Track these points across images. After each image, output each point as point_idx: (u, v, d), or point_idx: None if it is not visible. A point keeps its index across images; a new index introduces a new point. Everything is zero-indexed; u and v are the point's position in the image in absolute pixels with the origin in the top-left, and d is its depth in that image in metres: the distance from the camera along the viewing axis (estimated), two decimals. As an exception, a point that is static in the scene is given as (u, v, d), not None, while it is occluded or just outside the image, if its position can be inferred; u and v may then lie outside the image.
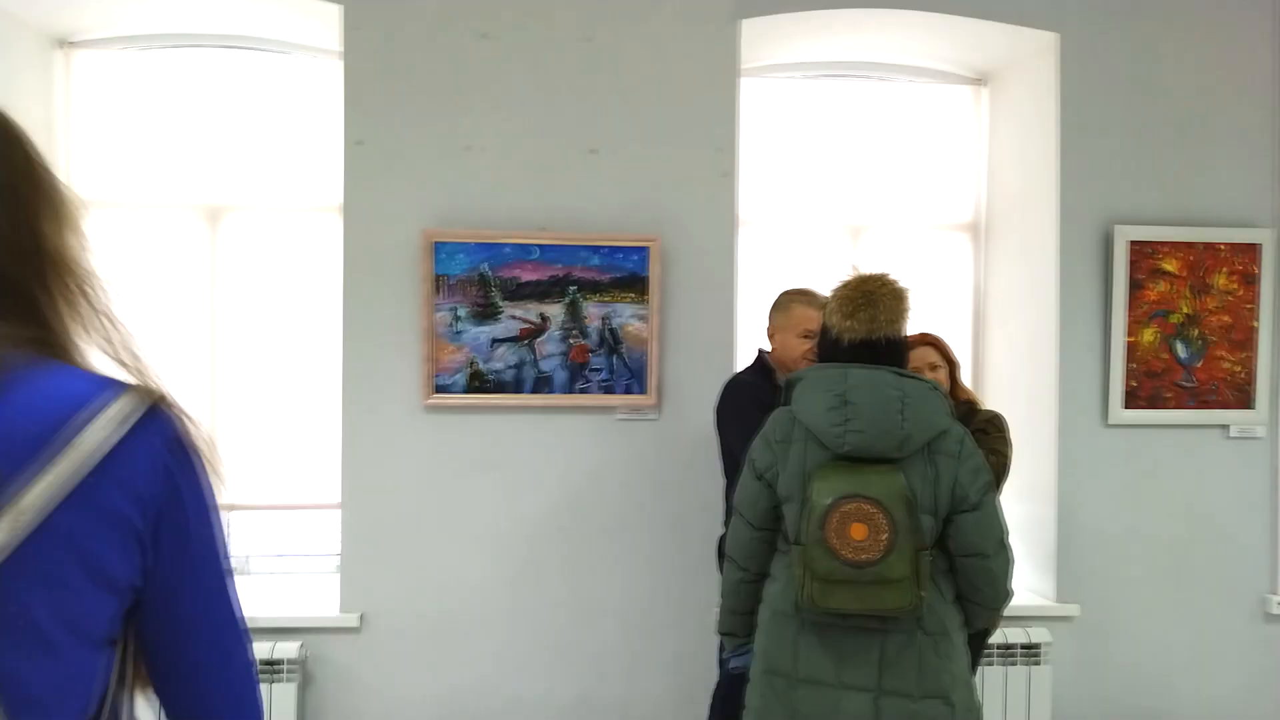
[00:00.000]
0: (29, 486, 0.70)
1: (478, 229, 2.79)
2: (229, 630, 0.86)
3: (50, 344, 0.80)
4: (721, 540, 2.63)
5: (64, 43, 2.98)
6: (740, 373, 2.60)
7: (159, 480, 0.78)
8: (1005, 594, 1.78)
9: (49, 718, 0.73)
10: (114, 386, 0.78)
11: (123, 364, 0.83)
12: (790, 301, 2.50)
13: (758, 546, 1.91)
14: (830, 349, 1.87)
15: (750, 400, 2.44)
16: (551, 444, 2.87)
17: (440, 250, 2.76)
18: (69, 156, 3.00)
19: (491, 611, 2.87)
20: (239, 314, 3.07)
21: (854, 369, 1.79)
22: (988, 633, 2.02)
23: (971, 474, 1.73)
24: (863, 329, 1.80)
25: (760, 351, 2.60)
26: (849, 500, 1.72)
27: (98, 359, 0.83)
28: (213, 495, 0.84)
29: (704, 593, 2.91)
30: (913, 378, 1.78)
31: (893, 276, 1.85)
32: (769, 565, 1.91)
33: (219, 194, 3.06)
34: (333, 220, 2.99)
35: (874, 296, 1.81)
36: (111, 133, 3.03)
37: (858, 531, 1.72)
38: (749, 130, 3.09)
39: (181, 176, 3.05)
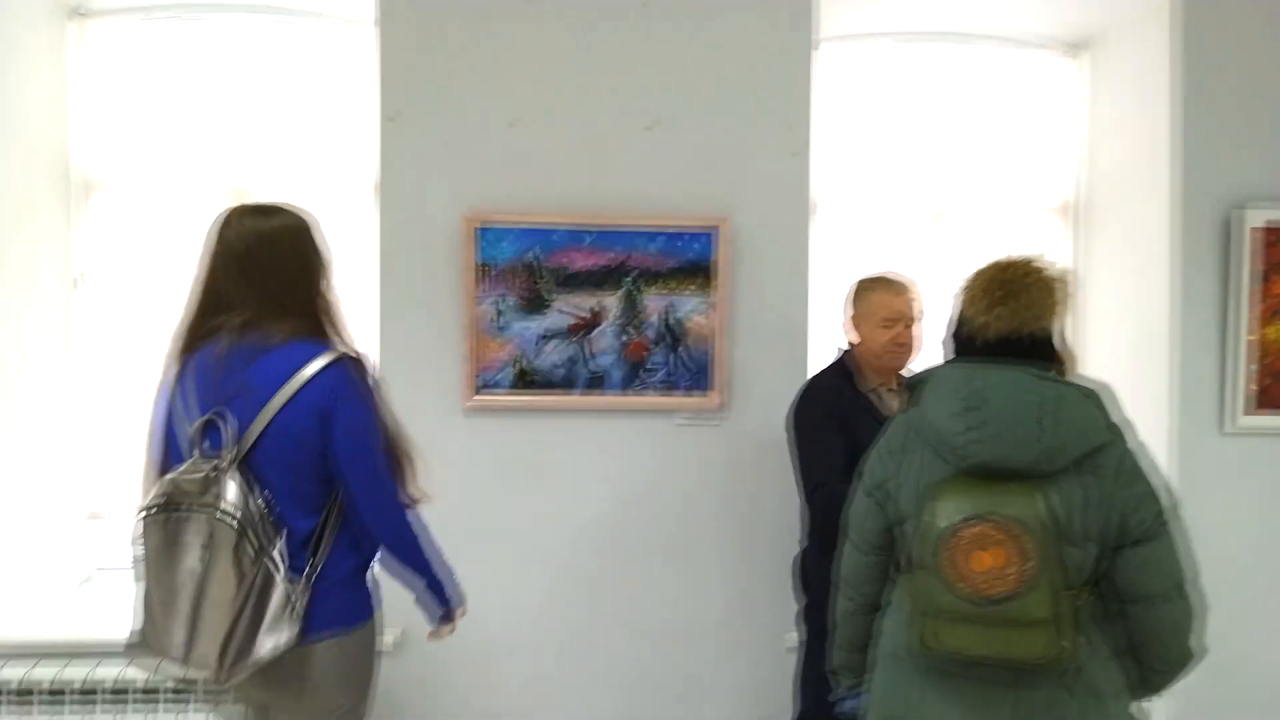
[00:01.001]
0: (274, 397, 1.56)
1: (524, 212, 2.52)
2: (373, 477, 1.63)
3: (313, 331, 1.65)
4: (801, 560, 2.34)
5: (76, 12, 2.75)
6: (817, 375, 2.31)
7: (329, 396, 1.59)
8: (1184, 653, 1.47)
9: (297, 528, 1.59)
10: (325, 350, 1.62)
11: (340, 338, 1.67)
12: (869, 288, 2.22)
13: (869, 573, 1.63)
14: (964, 347, 1.58)
15: (825, 409, 2.16)
16: (605, 450, 2.60)
17: (484, 236, 2.49)
18: (81, 133, 2.78)
19: (537, 633, 2.61)
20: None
21: (989, 367, 1.50)
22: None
23: (1138, 499, 1.43)
24: (1003, 324, 1.50)
25: (841, 351, 2.31)
26: (975, 522, 1.43)
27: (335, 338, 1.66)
28: (365, 407, 1.63)
29: (775, 617, 2.63)
30: (1060, 382, 1.48)
31: (1042, 263, 1.55)
32: (883, 594, 1.63)
33: (243, 175, 2.82)
34: (367, 204, 2.74)
35: (1018, 286, 1.51)
36: (128, 108, 2.79)
37: (985, 560, 1.43)
38: (822, 104, 2.79)
39: (203, 156, 2.81)
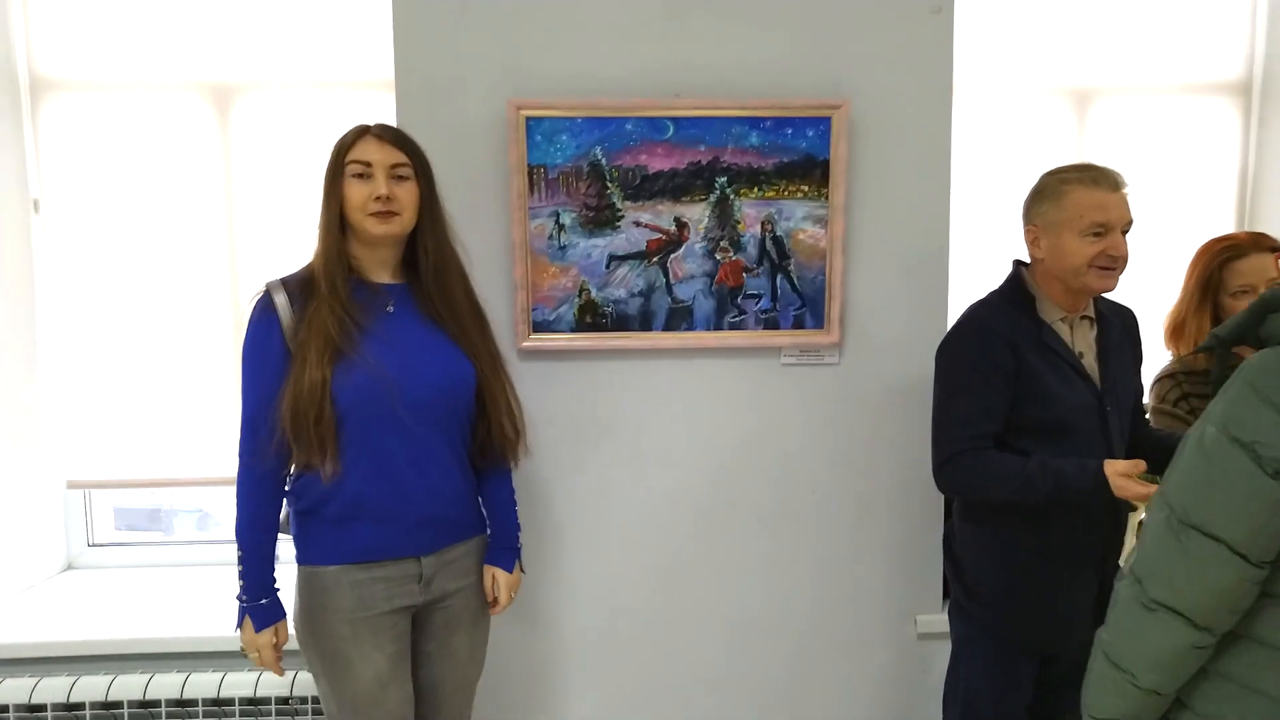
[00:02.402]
0: None
1: (586, 97, 1.95)
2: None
3: None
4: (948, 539, 1.83)
5: None
6: (981, 303, 1.74)
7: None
8: None
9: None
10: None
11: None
12: (1066, 184, 1.63)
13: (1247, 591, 1.06)
14: None
15: (985, 354, 1.63)
16: (691, 401, 2.07)
17: (534, 130, 1.93)
18: (29, 20, 2.22)
19: (615, 629, 2.13)
20: (259, 226, 2.30)
21: None
22: None
23: None
24: None
25: (1017, 266, 1.75)
26: None
27: None
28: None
29: (899, 603, 2.14)
30: None
31: None
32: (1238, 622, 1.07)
33: (229, 68, 2.26)
34: (384, 99, 2.18)
35: None
36: (83, -15, 2.23)
37: None
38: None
39: (180, 46, 2.25)
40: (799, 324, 2.04)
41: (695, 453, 2.09)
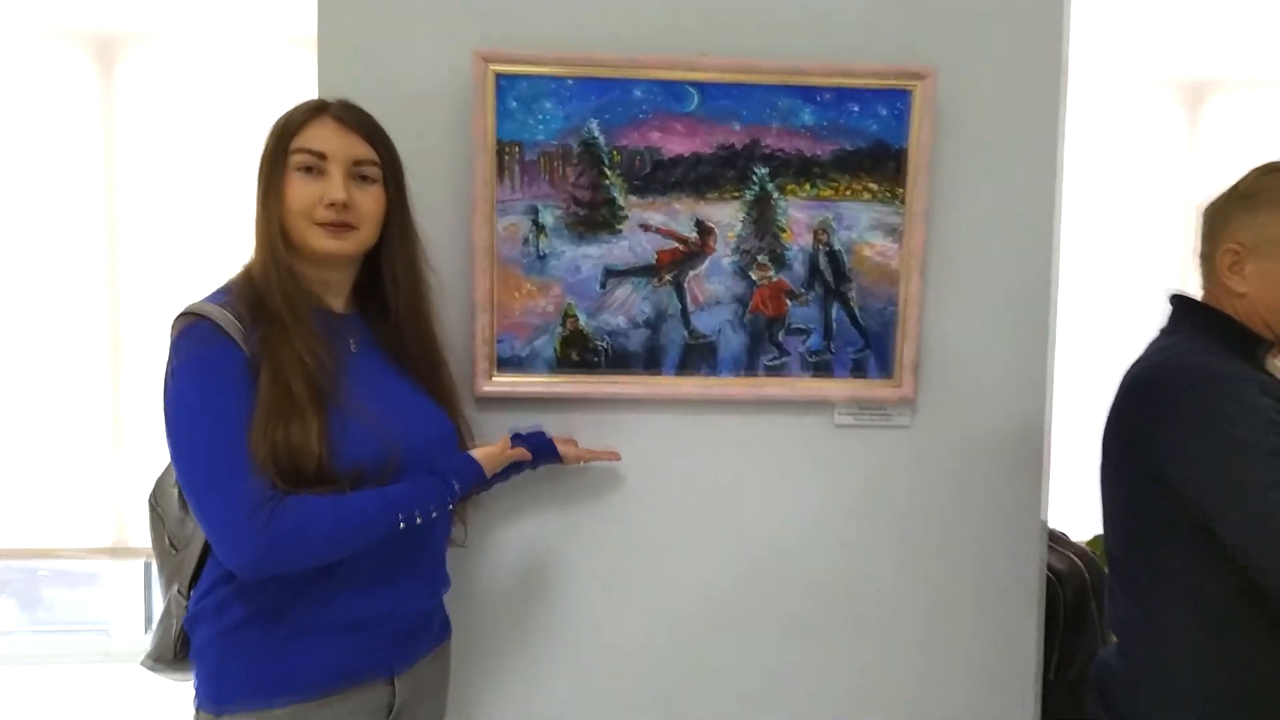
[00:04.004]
0: None
1: (580, 50, 1.42)
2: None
3: None
4: (1106, 674, 1.29)
5: None
6: (1200, 353, 1.19)
7: None
8: None
9: None
10: None
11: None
12: None
13: None
14: None
15: (1254, 412, 1.07)
16: (713, 471, 1.53)
17: (507, 93, 1.40)
18: None
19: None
20: (149, 215, 1.75)
21: None
22: None
23: None
24: None
25: (1193, 302, 1.22)
26: None
27: None
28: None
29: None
30: None
31: None
32: None
33: (115, 14, 1.73)
34: (306, 57, 1.66)
35: None
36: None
37: None
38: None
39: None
40: (859, 371, 1.51)
41: (718, 542, 1.54)
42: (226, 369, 1.05)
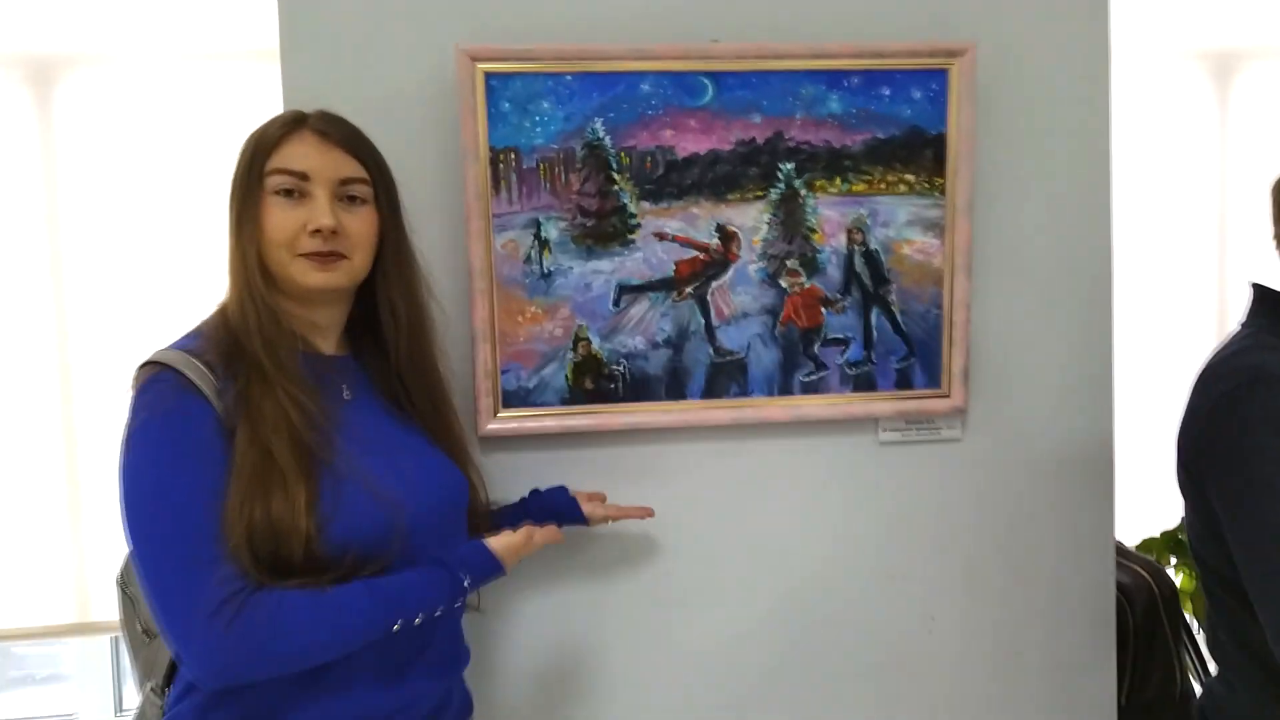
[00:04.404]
0: None
1: (579, 42, 1.26)
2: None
3: None
4: (1211, 710, 1.15)
5: None
6: (1252, 351, 1.06)
7: None
8: None
9: None
10: None
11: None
12: None
13: None
14: None
15: None
16: (748, 502, 1.37)
17: (500, 93, 1.24)
18: None
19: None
20: (99, 255, 1.58)
21: None
22: None
23: None
24: None
25: (1272, 295, 1.08)
26: None
27: None
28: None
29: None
30: None
31: None
32: None
33: (69, 36, 1.55)
34: (269, 71, 1.49)
35: None
36: None
37: None
38: None
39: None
40: (904, 382, 1.36)
41: (759, 584, 1.38)
42: (192, 431, 0.88)
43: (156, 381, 0.90)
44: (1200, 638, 1.61)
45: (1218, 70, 1.89)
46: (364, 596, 0.89)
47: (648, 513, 1.25)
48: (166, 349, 0.94)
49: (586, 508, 1.22)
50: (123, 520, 0.87)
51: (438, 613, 0.96)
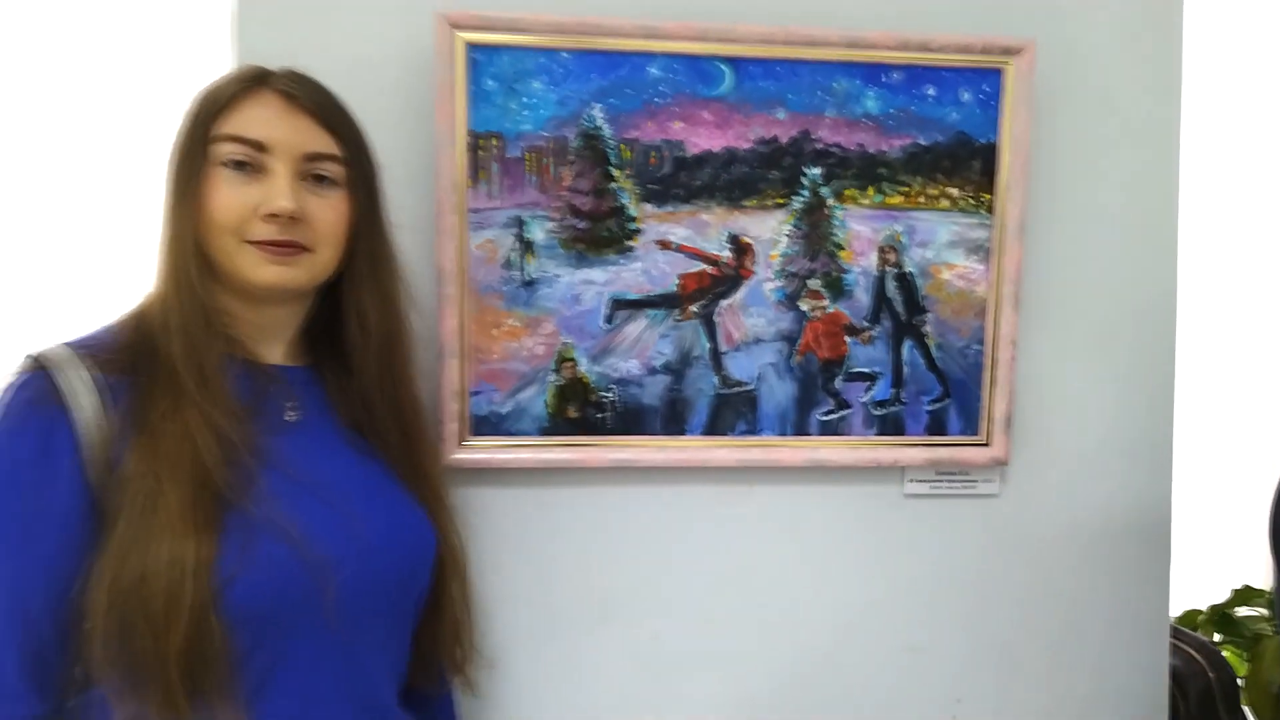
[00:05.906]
0: None
1: (578, 14, 1.09)
2: None
3: None
4: None
5: None
6: None
7: None
8: None
9: None
10: None
11: None
12: None
13: None
14: None
15: None
16: (755, 556, 1.19)
17: (484, 69, 1.07)
18: None
19: None
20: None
21: None
22: None
23: None
24: None
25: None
26: None
27: None
28: None
29: None
30: None
31: None
32: None
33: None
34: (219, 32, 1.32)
35: None
36: None
37: None
38: None
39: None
40: (937, 426, 1.18)
41: (762, 651, 1.19)
42: (26, 460, 0.70)
43: (20, 389, 0.72)
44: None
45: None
46: None
47: None
48: (60, 344, 0.76)
49: None
50: None
51: None
